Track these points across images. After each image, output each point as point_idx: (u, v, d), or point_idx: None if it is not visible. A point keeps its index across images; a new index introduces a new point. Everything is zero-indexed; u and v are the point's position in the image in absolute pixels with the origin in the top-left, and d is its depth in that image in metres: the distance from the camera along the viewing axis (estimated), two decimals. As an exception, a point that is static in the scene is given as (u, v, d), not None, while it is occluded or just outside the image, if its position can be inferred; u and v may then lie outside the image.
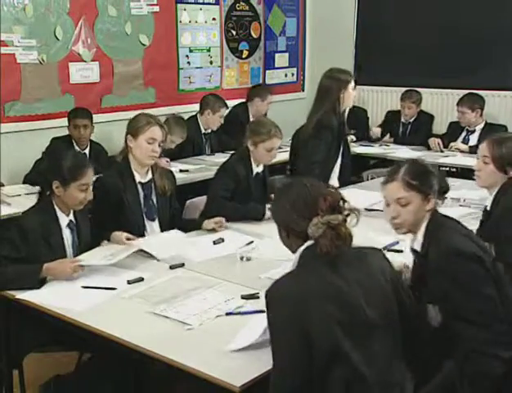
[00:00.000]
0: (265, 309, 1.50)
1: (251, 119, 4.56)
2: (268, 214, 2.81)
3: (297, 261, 1.57)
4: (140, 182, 2.65)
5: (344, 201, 1.58)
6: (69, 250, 2.30)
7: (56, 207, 2.27)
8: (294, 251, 1.60)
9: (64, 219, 2.29)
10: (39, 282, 2.08)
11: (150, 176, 2.69)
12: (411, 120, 4.90)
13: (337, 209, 1.54)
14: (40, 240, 2.18)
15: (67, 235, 2.30)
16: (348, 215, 1.56)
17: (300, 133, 3.44)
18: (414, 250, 1.91)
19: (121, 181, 2.60)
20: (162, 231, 2.69)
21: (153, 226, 2.69)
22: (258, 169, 3.04)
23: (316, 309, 1.44)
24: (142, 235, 2.61)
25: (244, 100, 4.90)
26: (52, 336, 2.14)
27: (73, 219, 2.33)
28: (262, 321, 1.60)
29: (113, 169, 2.67)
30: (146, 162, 2.63)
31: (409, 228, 1.89)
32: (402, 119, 4.93)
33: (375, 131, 5.00)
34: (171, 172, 2.88)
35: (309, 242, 1.55)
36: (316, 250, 1.51)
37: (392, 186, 1.87)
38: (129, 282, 2.12)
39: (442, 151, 4.42)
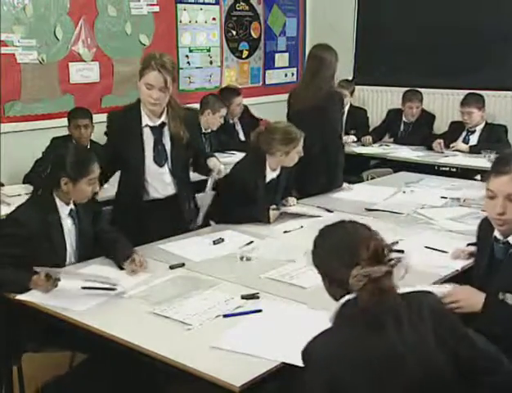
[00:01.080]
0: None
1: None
2: (274, 215, 2.81)
3: (334, 315, 1.40)
4: (148, 126, 2.59)
5: (390, 249, 1.40)
6: (69, 240, 2.29)
7: (56, 199, 2.25)
8: (337, 301, 1.43)
9: (65, 209, 2.28)
10: (25, 290, 2.05)
11: (163, 119, 2.59)
12: (413, 120, 4.89)
13: (381, 258, 1.36)
14: (39, 232, 2.16)
15: (68, 225, 2.29)
16: (393, 266, 1.37)
17: (305, 106, 3.33)
18: (504, 243, 1.82)
19: (124, 122, 2.58)
20: (174, 177, 2.62)
21: (161, 171, 2.62)
22: (273, 174, 2.95)
23: (350, 376, 1.29)
24: (140, 180, 2.59)
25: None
26: (47, 336, 2.13)
27: (73, 207, 2.31)
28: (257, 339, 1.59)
29: (120, 110, 2.63)
30: (148, 107, 2.54)
31: None
32: (404, 119, 4.92)
33: (366, 139, 4.91)
34: (192, 115, 2.72)
35: (351, 295, 1.37)
36: (358, 305, 1.34)
37: (504, 179, 1.71)
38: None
39: (442, 152, 4.41)
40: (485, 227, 1.93)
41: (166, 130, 2.61)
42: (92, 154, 2.37)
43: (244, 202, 2.82)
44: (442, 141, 4.48)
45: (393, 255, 1.39)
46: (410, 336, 1.34)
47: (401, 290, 1.43)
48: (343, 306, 1.38)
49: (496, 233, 1.85)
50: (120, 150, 2.63)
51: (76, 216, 2.32)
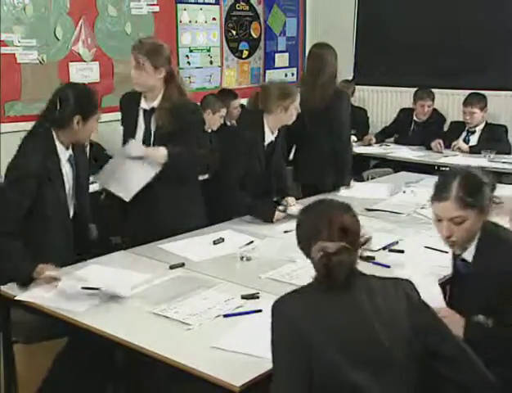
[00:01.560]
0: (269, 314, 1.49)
1: None
2: (278, 215, 2.80)
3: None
4: (142, 108, 2.64)
5: (360, 231, 1.50)
6: (68, 184, 2.30)
7: (56, 142, 2.25)
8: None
9: (64, 154, 2.28)
10: (27, 282, 2.07)
11: (154, 104, 2.61)
12: (424, 119, 4.87)
13: (341, 236, 1.45)
14: (43, 179, 2.19)
15: (67, 169, 2.30)
16: (357, 246, 1.48)
17: (311, 106, 3.33)
18: (462, 260, 1.83)
19: (129, 102, 2.69)
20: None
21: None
22: (272, 136, 2.94)
23: (315, 335, 1.39)
24: None
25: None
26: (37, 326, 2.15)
27: (71, 153, 2.32)
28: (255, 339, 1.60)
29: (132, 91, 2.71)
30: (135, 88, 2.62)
31: (464, 245, 1.79)
32: (416, 118, 4.90)
33: (367, 138, 4.94)
34: (186, 108, 2.60)
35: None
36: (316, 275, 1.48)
37: (446, 205, 1.74)
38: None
39: (441, 152, 4.41)
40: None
41: (155, 115, 2.62)
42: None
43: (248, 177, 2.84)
44: (441, 141, 4.49)
45: (363, 237, 1.50)
46: (382, 307, 1.44)
47: None
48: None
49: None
50: (123, 130, 2.72)
51: (74, 162, 2.33)
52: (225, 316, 1.85)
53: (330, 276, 1.43)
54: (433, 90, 4.97)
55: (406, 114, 4.98)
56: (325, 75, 3.42)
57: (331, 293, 1.45)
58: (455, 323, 1.69)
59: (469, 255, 1.80)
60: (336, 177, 3.42)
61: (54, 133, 2.26)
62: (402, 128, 4.95)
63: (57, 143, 2.26)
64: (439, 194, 1.77)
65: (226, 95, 4.63)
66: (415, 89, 4.88)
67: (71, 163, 2.31)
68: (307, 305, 1.45)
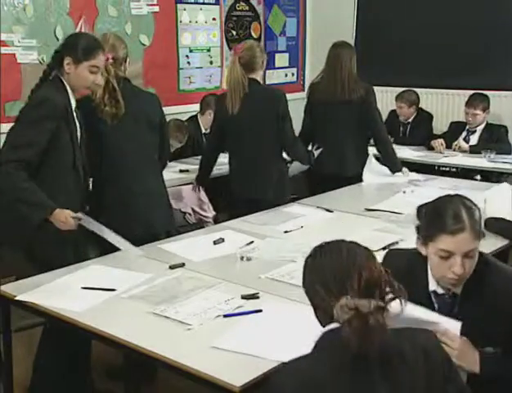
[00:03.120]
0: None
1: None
2: None
3: (316, 343, 1.27)
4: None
5: (388, 281, 1.23)
6: (79, 132, 2.35)
7: (68, 88, 2.30)
8: (323, 327, 1.31)
9: (73, 102, 2.33)
10: (41, 220, 2.15)
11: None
12: (410, 120, 4.89)
13: (373, 291, 1.20)
14: (61, 122, 2.24)
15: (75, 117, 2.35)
16: (387, 302, 1.21)
17: (335, 100, 3.58)
18: (453, 295, 1.63)
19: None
20: None
21: None
22: None
23: None
24: None
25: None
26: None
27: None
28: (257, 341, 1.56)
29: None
30: None
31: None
32: (401, 119, 4.93)
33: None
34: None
35: (335, 324, 1.24)
36: (341, 336, 1.20)
37: (463, 237, 1.52)
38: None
39: (442, 153, 4.41)
40: (410, 280, 1.56)
41: None
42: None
43: None
44: (442, 140, 4.48)
45: (391, 289, 1.22)
46: (397, 389, 1.21)
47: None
48: (326, 334, 1.25)
49: (435, 288, 1.64)
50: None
51: (78, 113, 2.37)
52: (225, 316, 1.85)
53: (364, 344, 1.16)
54: (434, 90, 4.98)
55: (393, 115, 5.01)
56: (352, 75, 3.60)
57: (355, 362, 1.18)
58: (470, 357, 1.53)
59: (458, 288, 1.62)
60: (389, 165, 3.65)
61: (62, 77, 2.31)
62: (393, 129, 4.96)
63: (67, 87, 2.30)
64: (452, 226, 1.54)
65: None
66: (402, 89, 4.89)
67: (77, 114, 2.35)
68: (317, 372, 1.19)
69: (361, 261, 1.25)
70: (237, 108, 3.12)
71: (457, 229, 1.54)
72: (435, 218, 1.60)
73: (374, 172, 3.63)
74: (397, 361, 1.22)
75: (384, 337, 1.19)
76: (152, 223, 2.67)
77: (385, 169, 3.67)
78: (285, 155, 3.34)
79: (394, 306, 1.22)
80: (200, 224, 3.76)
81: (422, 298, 1.62)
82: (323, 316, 1.28)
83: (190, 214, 3.76)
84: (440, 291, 1.64)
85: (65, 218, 2.21)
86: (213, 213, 3.84)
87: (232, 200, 3.31)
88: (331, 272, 1.25)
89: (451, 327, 1.54)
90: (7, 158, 2.20)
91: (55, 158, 2.28)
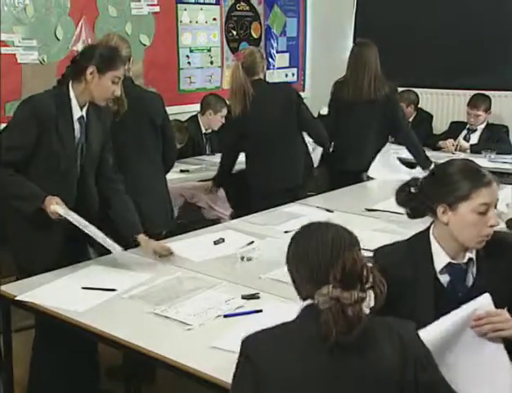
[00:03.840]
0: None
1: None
2: None
3: (296, 316, 1.30)
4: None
5: (369, 269, 1.23)
6: (79, 143, 2.30)
7: (72, 97, 2.25)
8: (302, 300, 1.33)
9: (77, 111, 2.27)
10: (35, 210, 2.14)
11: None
12: (410, 120, 4.87)
13: (355, 281, 1.21)
14: (52, 126, 2.20)
15: (76, 128, 2.29)
16: (366, 290, 1.22)
17: (362, 99, 3.72)
18: (468, 262, 1.61)
19: None
20: None
21: None
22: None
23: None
24: None
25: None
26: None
27: (84, 115, 2.30)
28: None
29: None
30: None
31: None
32: None
33: None
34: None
35: (311, 301, 1.26)
36: (316, 316, 1.22)
37: (495, 187, 1.58)
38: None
39: (453, 153, 4.38)
40: (413, 268, 1.61)
41: None
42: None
43: None
44: (452, 140, 4.45)
45: (372, 277, 1.22)
46: (369, 372, 1.23)
47: None
48: (303, 310, 1.28)
49: (449, 260, 1.61)
50: None
51: (85, 125, 2.30)
52: (225, 316, 1.85)
53: (341, 333, 1.19)
54: (435, 90, 4.97)
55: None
56: (369, 71, 3.76)
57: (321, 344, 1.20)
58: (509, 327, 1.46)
59: (471, 252, 1.62)
60: (419, 162, 3.79)
61: (71, 87, 2.26)
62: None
63: (72, 97, 2.25)
64: (485, 178, 1.56)
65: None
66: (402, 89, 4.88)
67: (81, 124, 2.29)
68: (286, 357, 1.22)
69: (345, 251, 1.25)
70: (239, 109, 3.26)
71: (490, 180, 1.57)
72: (466, 175, 1.58)
73: (386, 167, 3.71)
74: (372, 348, 1.25)
75: (361, 327, 1.21)
76: (152, 221, 2.67)
77: (401, 167, 3.78)
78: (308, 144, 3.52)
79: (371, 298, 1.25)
80: (218, 221, 3.74)
81: (428, 281, 1.60)
82: (302, 294, 1.32)
83: (204, 209, 3.73)
84: (454, 261, 1.62)
85: (50, 208, 2.15)
86: (231, 210, 3.82)
87: (252, 195, 3.40)
88: (315, 260, 1.27)
89: (482, 304, 1.49)
90: None
91: (41, 162, 2.24)
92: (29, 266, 2.27)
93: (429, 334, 1.41)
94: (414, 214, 1.69)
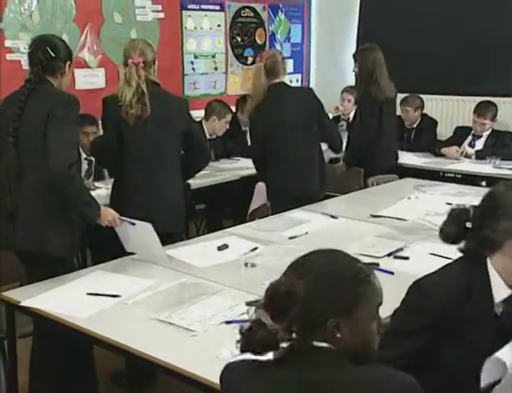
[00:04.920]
0: None
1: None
2: None
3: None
4: None
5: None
6: None
7: None
8: None
9: None
10: (96, 218, 2.29)
11: None
12: (415, 126, 4.87)
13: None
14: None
15: None
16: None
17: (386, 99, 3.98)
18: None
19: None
20: None
21: None
22: None
23: None
24: None
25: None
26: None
27: None
28: None
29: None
30: None
31: None
32: (406, 124, 4.91)
33: None
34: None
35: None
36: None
37: None
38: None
39: (458, 159, 4.38)
40: (471, 302, 1.45)
41: None
42: None
43: None
44: (457, 147, 4.45)
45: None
46: None
47: None
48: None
49: (506, 290, 1.46)
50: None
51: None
52: (227, 322, 1.85)
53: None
54: (440, 96, 4.96)
55: (399, 121, 4.96)
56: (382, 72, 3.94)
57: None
58: None
59: None
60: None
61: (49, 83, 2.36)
62: (398, 135, 4.94)
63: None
64: None
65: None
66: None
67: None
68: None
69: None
70: (257, 110, 3.38)
71: None
72: None
73: None
74: None
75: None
76: (160, 222, 2.66)
77: None
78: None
79: None
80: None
81: (488, 313, 1.48)
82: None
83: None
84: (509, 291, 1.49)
85: (112, 217, 2.34)
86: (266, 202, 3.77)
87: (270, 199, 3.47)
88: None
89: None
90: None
91: None
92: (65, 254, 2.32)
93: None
94: (469, 251, 1.51)
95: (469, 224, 1.51)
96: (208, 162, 3.02)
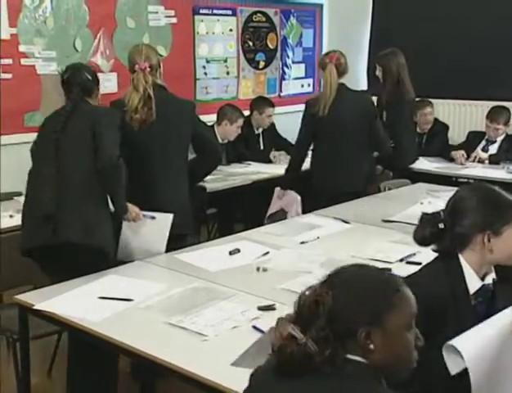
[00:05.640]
0: None
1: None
2: None
3: None
4: None
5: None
6: None
7: None
8: None
9: None
10: (126, 211, 2.47)
11: None
12: (426, 131, 4.84)
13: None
14: None
15: None
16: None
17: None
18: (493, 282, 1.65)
19: None
20: None
21: None
22: None
23: None
24: None
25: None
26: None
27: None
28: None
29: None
30: None
31: None
32: (418, 130, 4.89)
33: None
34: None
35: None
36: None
37: None
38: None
39: (463, 164, 4.36)
40: (454, 296, 1.60)
41: None
42: None
43: None
44: (463, 152, 4.43)
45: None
46: None
47: None
48: None
49: (481, 283, 1.63)
50: None
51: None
52: (254, 328, 1.83)
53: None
54: (452, 101, 4.93)
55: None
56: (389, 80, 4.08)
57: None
58: None
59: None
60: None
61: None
62: None
63: None
64: None
65: (261, 101, 4.66)
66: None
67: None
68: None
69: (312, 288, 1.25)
70: (327, 110, 3.41)
71: None
72: (508, 202, 1.62)
73: None
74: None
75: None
76: None
77: None
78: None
79: None
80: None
81: (467, 306, 1.61)
82: None
83: (287, 212, 3.73)
84: (486, 281, 1.65)
85: (135, 213, 2.50)
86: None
87: (316, 196, 3.51)
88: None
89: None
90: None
91: None
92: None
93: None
94: (444, 250, 1.66)
95: (441, 225, 1.65)
96: (220, 162, 3.06)
